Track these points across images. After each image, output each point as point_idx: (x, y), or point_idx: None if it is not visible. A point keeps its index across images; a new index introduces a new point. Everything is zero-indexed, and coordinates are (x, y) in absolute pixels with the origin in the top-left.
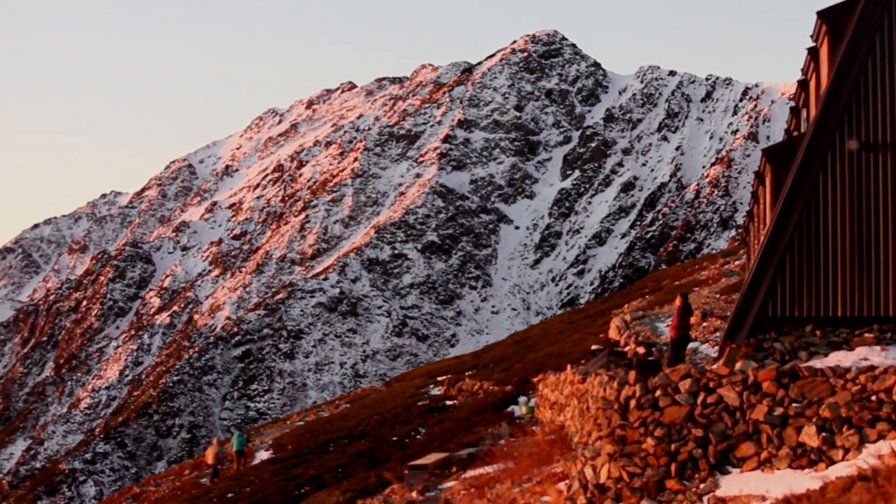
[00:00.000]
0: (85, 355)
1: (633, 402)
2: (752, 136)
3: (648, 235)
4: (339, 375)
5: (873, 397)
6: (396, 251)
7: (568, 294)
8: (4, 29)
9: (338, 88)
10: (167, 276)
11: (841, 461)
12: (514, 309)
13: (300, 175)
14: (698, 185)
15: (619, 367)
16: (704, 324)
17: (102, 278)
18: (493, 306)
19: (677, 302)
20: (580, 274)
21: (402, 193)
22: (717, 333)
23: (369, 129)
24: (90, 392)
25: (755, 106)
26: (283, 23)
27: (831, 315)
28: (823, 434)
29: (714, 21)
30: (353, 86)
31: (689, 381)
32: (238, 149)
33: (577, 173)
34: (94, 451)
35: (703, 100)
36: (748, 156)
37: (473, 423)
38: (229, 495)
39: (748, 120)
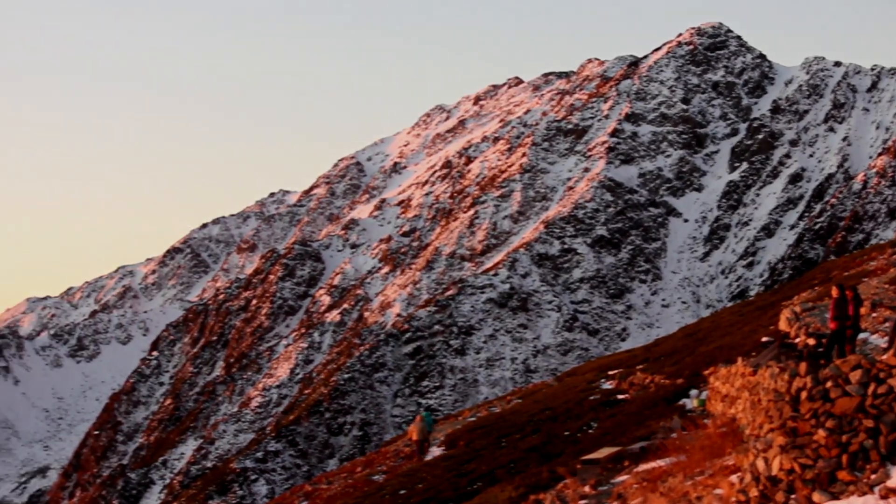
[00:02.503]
0: (255, 354)
1: (803, 394)
2: None
3: (817, 227)
4: (510, 371)
5: None
6: (566, 246)
7: (737, 286)
8: (186, 31)
9: (504, 84)
10: (337, 274)
11: None
12: (684, 302)
13: (468, 171)
14: (865, 175)
15: (790, 358)
16: (874, 314)
17: (272, 277)
18: (663, 299)
19: (834, 293)
20: (749, 266)
21: (570, 188)
22: (887, 324)
23: (537, 124)
24: (261, 391)
25: None
26: (450, 19)
27: None
28: None
29: (879, 11)
30: (519, 81)
31: (860, 371)
32: (406, 146)
33: (744, 165)
34: (265, 450)
35: (868, 90)
36: None
37: (645, 417)
38: (402, 492)
39: None
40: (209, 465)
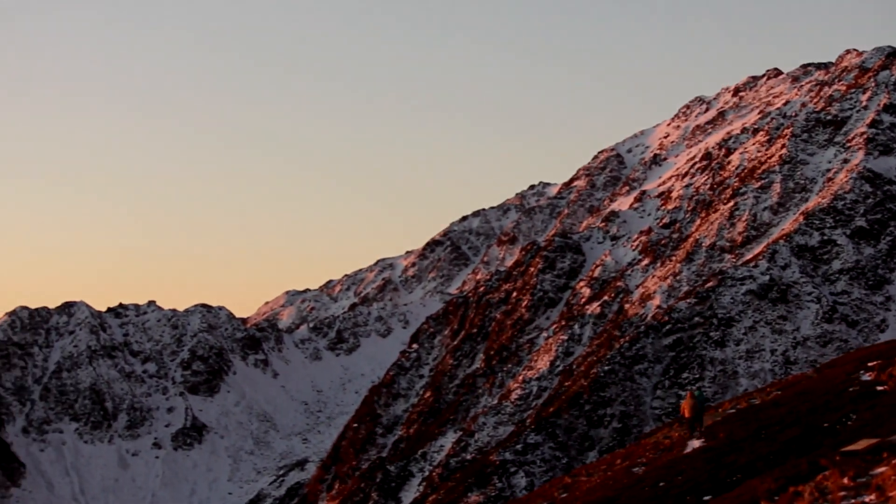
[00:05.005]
0: (515, 346)
1: None
2: None
3: None
4: (770, 362)
5: None
6: (825, 237)
7: None
8: (457, 32)
9: (764, 75)
10: (597, 266)
11: None
12: None
13: (728, 163)
14: None
15: None
16: None
17: (532, 269)
18: None
19: None
20: None
21: (829, 179)
22: None
23: (796, 115)
24: (521, 383)
25: None
26: (710, 11)
27: None
28: None
29: None
30: (778, 72)
31: None
32: (666, 137)
33: None
34: (524, 442)
35: None
36: None
37: None
38: (661, 484)
39: None
40: (468, 457)
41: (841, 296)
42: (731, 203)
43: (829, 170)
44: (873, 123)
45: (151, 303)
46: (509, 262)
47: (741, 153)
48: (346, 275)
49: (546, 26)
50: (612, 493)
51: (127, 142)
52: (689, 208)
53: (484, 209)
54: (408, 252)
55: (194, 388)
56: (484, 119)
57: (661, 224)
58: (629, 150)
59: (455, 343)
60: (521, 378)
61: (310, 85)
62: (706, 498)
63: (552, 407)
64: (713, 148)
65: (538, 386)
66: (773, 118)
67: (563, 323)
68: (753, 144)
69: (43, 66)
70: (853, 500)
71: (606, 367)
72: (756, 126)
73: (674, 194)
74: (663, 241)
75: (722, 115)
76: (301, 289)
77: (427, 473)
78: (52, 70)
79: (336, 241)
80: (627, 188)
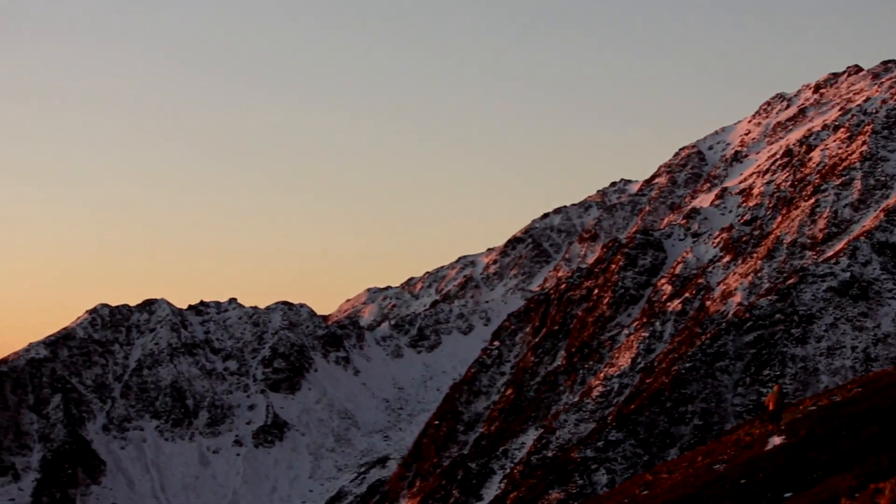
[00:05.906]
0: (597, 344)
1: None
2: None
3: None
4: (851, 360)
5: None
6: None
7: None
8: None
9: (844, 72)
10: (678, 263)
11: None
12: None
13: (809, 160)
14: None
15: None
16: None
17: (613, 266)
18: None
19: None
20: None
21: None
22: None
23: (876, 111)
24: (602, 380)
25: None
26: (789, 8)
27: None
28: None
29: None
30: (859, 69)
31: None
32: (747, 134)
33: None
34: (605, 440)
35: None
36: None
37: None
38: (742, 481)
39: None
40: (550, 454)
41: None
42: (812, 200)
43: None
44: None
45: (232, 300)
46: (590, 260)
47: (822, 150)
48: (427, 272)
49: (627, 25)
50: (693, 491)
51: (210, 140)
52: (770, 205)
53: (565, 206)
54: (489, 249)
55: (275, 386)
56: (565, 116)
57: (742, 221)
58: (710, 147)
59: (536, 340)
60: (602, 375)
61: (392, 84)
62: (787, 495)
63: (633, 404)
64: (794, 145)
65: (619, 383)
66: (853, 115)
67: (645, 320)
68: (834, 141)
69: (123, 68)
70: None
71: (688, 365)
72: (837, 123)
73: (755, 191)
74: (744, 238)
75: (803, 112)
76: (382, 286)
77: (508, 471)
78: (132, 67)
79: (417, 239)
80: (708, 185)
